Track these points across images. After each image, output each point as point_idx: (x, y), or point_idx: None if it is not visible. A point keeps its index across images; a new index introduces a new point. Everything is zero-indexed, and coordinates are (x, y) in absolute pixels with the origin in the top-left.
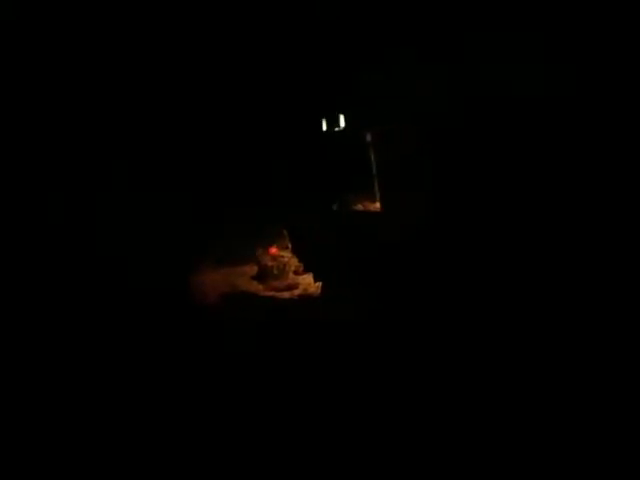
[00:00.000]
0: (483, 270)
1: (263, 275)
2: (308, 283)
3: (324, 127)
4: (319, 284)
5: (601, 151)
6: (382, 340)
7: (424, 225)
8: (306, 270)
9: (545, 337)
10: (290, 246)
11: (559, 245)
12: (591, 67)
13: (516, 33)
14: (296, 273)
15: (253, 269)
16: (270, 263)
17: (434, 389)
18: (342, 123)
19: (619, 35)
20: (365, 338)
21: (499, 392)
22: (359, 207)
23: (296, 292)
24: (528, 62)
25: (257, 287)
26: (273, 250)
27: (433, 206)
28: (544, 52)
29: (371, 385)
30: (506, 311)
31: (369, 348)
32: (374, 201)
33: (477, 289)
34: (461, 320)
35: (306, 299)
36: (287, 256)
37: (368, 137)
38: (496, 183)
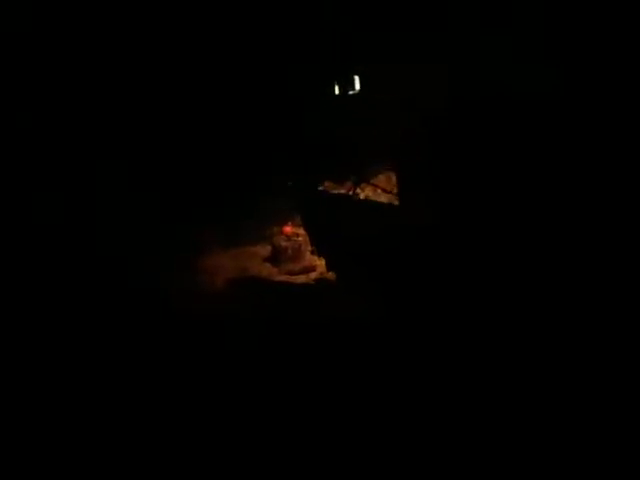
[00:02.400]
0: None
1: (277, 256)
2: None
3: (336, 91)
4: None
5: (600, 150)
6: (394, 337)
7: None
8: (318, 255)
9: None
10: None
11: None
12: (590, 67)
13: (517, 33)
14: (313, 253)
15: (266, 249)
16: (284, 243)
17: (440, 389)
18: (357, 86)
19: (620, 36)
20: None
21: (503, 392)
22: (380, 178)
23: (313, 275)
24: (529, 62)
25: (270, 270)
26: (287, 229)
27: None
28: (545, 52)
29: (380, 382)
30: (517, 310)
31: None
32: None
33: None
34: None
35: (323, 283)
36: (303, 235)
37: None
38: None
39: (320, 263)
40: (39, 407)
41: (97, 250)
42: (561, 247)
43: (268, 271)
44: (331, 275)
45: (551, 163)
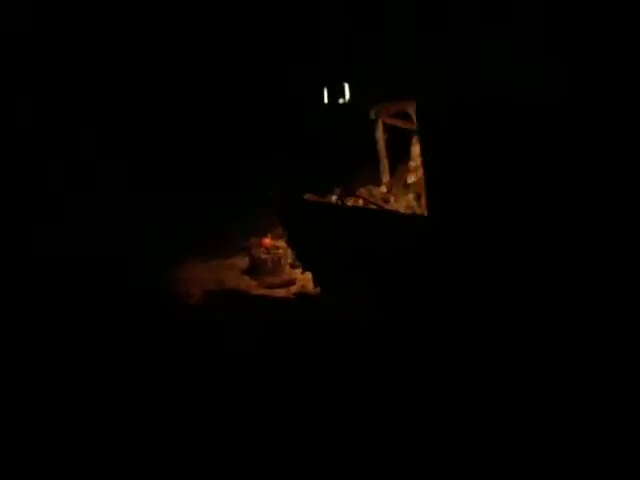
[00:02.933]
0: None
1: (255, 269)
2: (307, 279)
3: (325, 98)
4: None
5: (601, 150)
6: (387, 344)
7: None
8: (304, 270)
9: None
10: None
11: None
12: (591, 67)
13: (517, 33)
14: (293, 267)
15: (243, 261)
16: (263, 256)
17: (437, 393)
18: (347, 94)
19: (620, 36)
20: (370, 342)
21: (501, 394)
22: (362, 192)
23: (293, 289)
24: (529, 62)
25: (248, 283)
26: (267, 241)
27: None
28: (545, 52)
29: (374, 390)
30: (513, 314)
31: (374, 352)
32: (379, 185)
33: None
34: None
35: (304, 298)
36: (282, 247)
37: (372, 114)
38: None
39: (301, 277)
40: (38, 407)
41: (96, 250)
42: (561, 247)
43: (246, 284)
44: (314, 290)
45: (551, 163)
